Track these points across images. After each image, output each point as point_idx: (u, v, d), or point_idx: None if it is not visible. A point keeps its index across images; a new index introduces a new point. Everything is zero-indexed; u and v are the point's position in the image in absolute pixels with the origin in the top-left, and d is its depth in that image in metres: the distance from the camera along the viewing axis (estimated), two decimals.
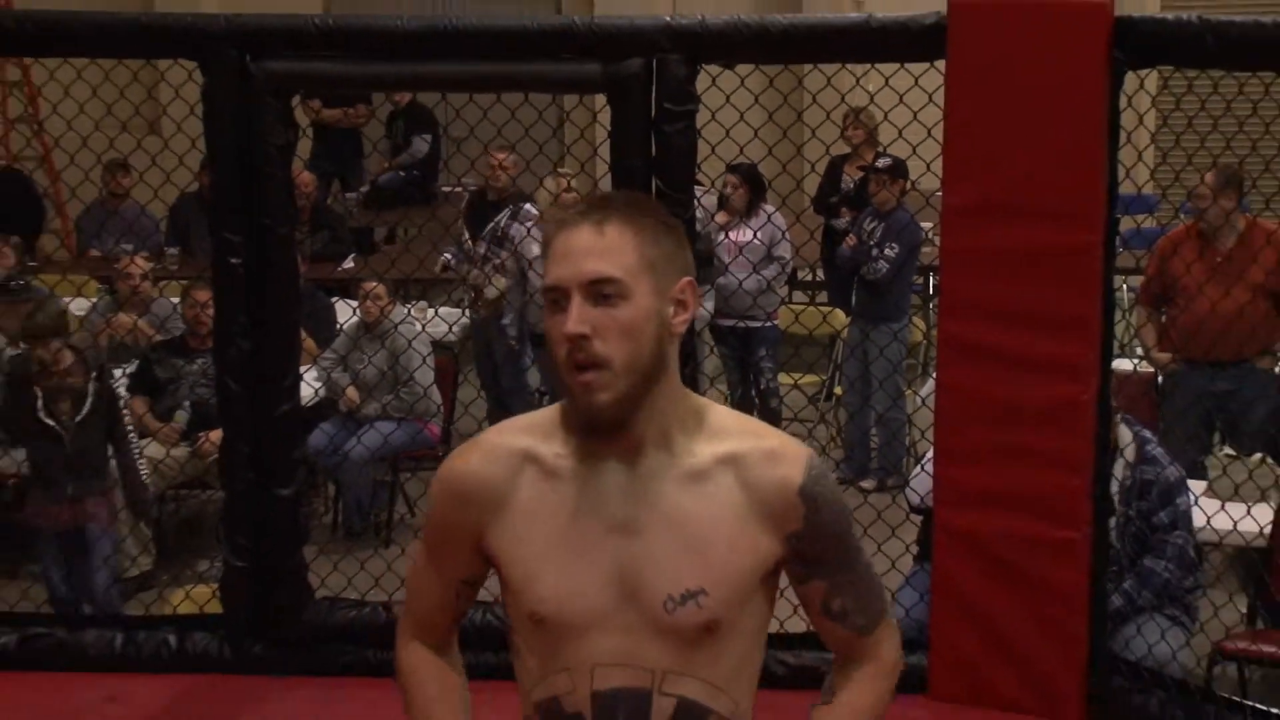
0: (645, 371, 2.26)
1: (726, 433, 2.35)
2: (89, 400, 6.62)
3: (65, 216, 11.46)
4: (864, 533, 6.04)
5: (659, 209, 2.40)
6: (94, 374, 6.69)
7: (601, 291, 2.24)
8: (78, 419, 6.57)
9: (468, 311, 9.06)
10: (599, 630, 2.31)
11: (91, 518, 6.64)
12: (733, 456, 2.33)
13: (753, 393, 8.96)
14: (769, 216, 8.73)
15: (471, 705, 2.62)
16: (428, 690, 2.52)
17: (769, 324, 8.89)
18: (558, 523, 2.33)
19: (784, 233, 8.59)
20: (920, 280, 10.29)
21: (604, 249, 2.25)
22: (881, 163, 8.81)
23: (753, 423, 2.46)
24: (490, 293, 8.62)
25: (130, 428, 6.90)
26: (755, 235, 8.61)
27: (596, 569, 2.31)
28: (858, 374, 8.59)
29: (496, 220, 8.79)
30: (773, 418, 8.74)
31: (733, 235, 8.49)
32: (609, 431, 2.29)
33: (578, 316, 2.23)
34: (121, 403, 6.85)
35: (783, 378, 9.15)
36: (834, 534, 2.39)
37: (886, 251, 8.49)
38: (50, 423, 6.01)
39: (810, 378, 9.55)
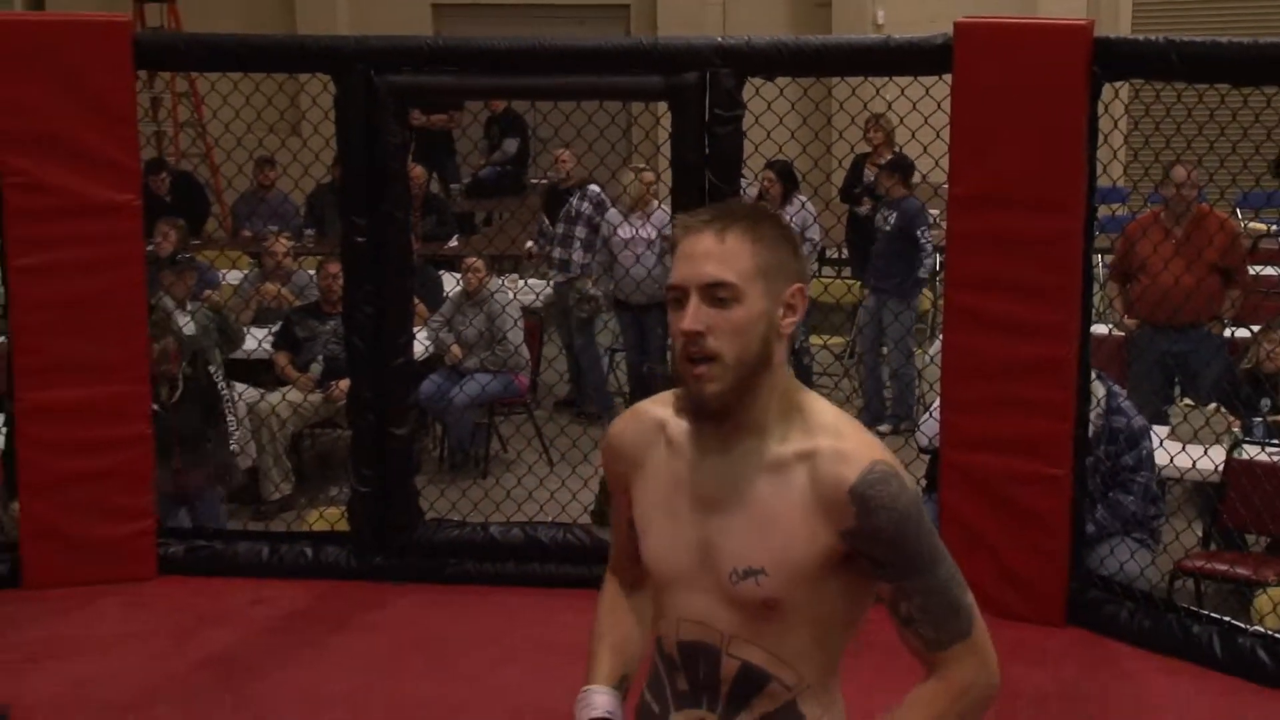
0: (752, 366, 2.13)
1: (819, 429, 2.18)
2: (180, 386, 6.53)
3: (223, 203, 11.51)
4: None
5: (778, 220, 2.24)
6: (185, 363, 6.59)
7: (717, 295, 2.11)
8: (173, 400, 6.49)
9: (551, 282, 9.04)
10: (685, 588, 2.21)
11: (192, 486, 6.58)
12: (811, 452, 2.16)
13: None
14: (802, 205, 8.69)
15: (636, 642, 2.45)
16: (602, 622, 2.44)
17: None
18: (665, 488, 2.24)
19: (814, 218, 8.57)
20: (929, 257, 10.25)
21: (722, 255, 2.11)
22: (885, 161, 8.79)
23: (847, 424, 2.22)
24: (585, 288, 8.63)
25: (229, 408, 6.77)
26: (791, 221, 8.58)
27: (685, 535, 2.21)
28: (873, 337, 8.55)
29: (569, 203, 8.79)
30: (804, 373, 8.70)
31: None
32: (714, 417, 2.17)
33: (694, 315, 2.11)
34: (220, 388, 6.74)
35: (814, 339, 9.10)
36: (891, 539, 2.13)
37: (891, 225, 8.50)
38: (155, 406, 5.97)
39: (836, 339, 9.50)
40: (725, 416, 2.16)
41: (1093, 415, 5.48)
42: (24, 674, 5.06)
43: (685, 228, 2.15)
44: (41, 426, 5.63)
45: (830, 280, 9.61)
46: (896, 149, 9.43)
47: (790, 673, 2.17)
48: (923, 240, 8.49)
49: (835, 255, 11.10)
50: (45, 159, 5.49)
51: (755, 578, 2.14)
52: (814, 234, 8.70)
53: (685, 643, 2.21)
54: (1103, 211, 6.08)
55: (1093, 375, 5.47)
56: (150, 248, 6.71)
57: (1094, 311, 5.47)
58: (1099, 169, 5.18)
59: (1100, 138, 5.16)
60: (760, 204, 2.61)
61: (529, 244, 9.40)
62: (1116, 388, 5.79)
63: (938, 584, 2.16)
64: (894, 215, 8.52)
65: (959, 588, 2.20)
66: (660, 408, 2.30)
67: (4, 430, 5.89)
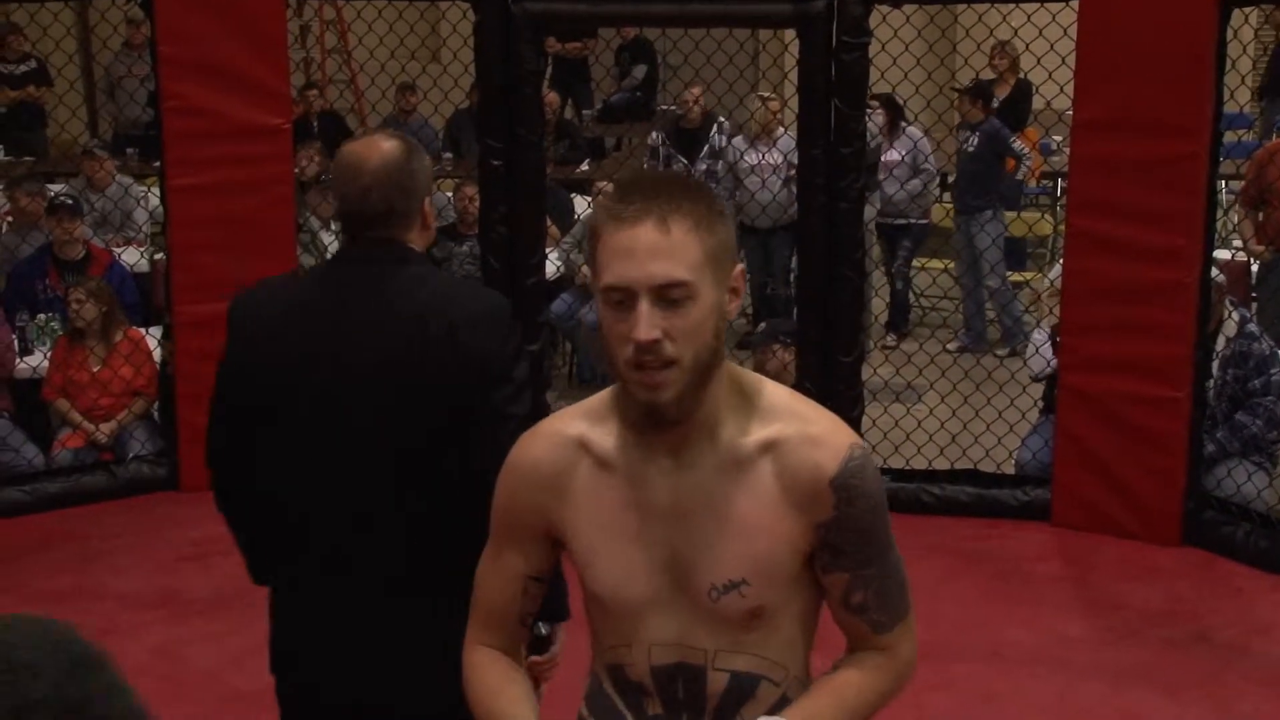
0: (707, 363, 1.82)
1: (774, 415, 1.89)
2: None
3: (366, 127, 11.63)
4: (999, 389, 6.01)
5: (708, 192, 1.88)
6: None
7: (670, 295, 1.77)
8: None
9: None
10: (653, 612, 1.92)
11: None
12: (773, 442, 1.87)
13: (891, 274, 8.81)
14: (914, 141, 8.55)
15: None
16: (489, 681, 2.01)
17: (917, 222, 8.74)
18: (610, 510, 1.91)
19: (927, 155, 8.48)
20: (1049, 183, 10.07)
21: (671, 249, 1.77)
22: (962, 86, 8.62)
23: (804, 404, 1.94)
24: None
25: None
26: (902, 156, 8.47)
27: (647, 556, 1.91)
28: (969, 260, 8.42)
29: (710, 142, 8.69)
30: (900, 300, 8.63)
31: (883, 157, 8.37)
32: (668, 426, 1.85)
33: (649, 322, 1.77)
34: None
35: (934, 263, 9.01)
36: (862, 528, 1.90)
37: (973, 148, 8.35)
38: None
39: (934, 262, 9.36)
40: (680, 422, 1.85)
41: (1223, 339, 5.39)
42: (184, 570, 5.24)
43: (616, 218, 1.79)
44: (197, 339, 5.78)
45: (950, 206, 9.49)
46: (1021, 75, 9.24)
47: (779, 670, 1.95)
48: (1017, 148, 8.38)
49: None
50: (202, 84, 5.61)
51: (738, 589, 1.89)
52: (927, 164, 8.59)
53: (660, 667, 1.95)
54: (1228, 137, 5.93)
55: (1226, 301, 5.39)
56: (295, 170, 6.81)
57: (1216, 237, 5.36)
58: (1225, 94, 5.05)
59: (1228, 63, 5.03)
60: (680, 175, 2.25)
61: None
62: (1246, 313, 5.68)
63: (890, 568, 1.95)
64: (975, 138, 8.37)
65: (901, 564, 1.98)
66: (574, 423, 1.96)
67: (163, 342, 6.06)
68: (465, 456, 2.41)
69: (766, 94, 8.48)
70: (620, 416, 1.92)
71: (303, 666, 2.63)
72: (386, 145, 2.55)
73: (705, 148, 8.51)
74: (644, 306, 1.78)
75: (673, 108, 11.20)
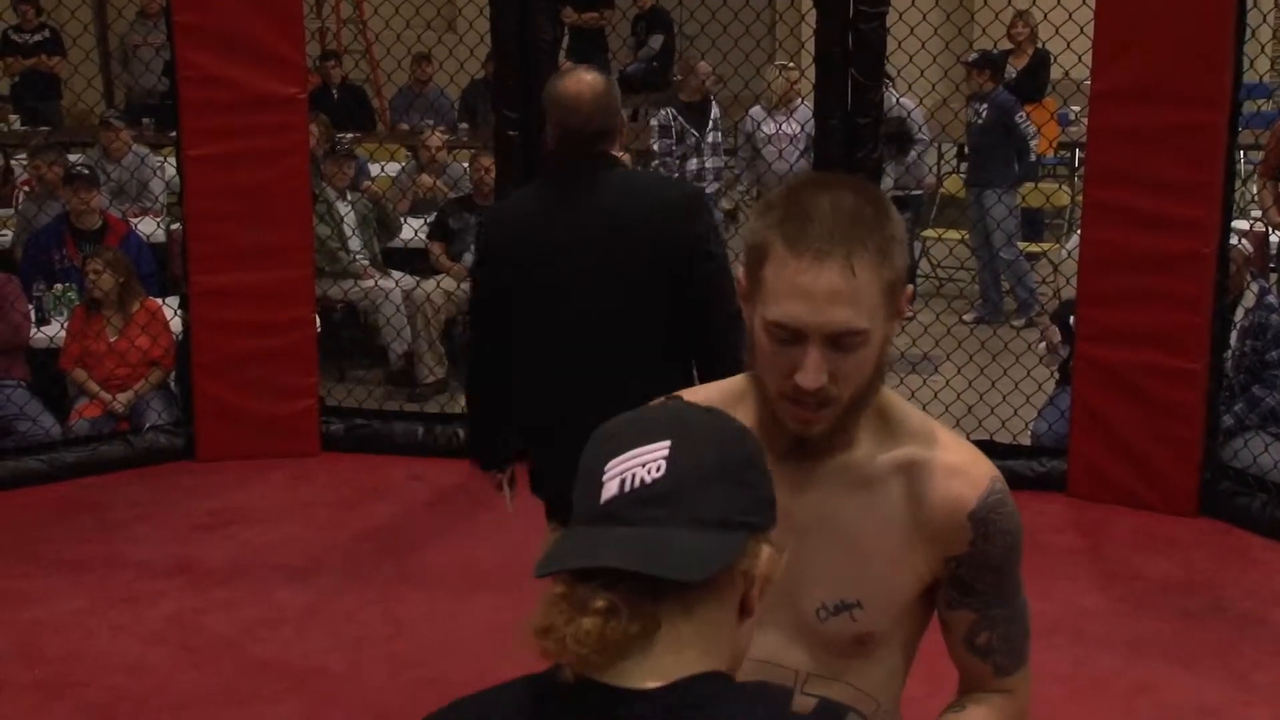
0: (863, 397, 1.71)
1: (911, 437, 1.78)
2: None
3: (381, 97, 11.61)
4: (1015, 360, 6.00)
5: (889, 212, 1.69)
6: None
7: (843, 341, 1.64)
8: None
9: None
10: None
11: None
12: (910, 464, 1.76)
13: None
14: (908, 112, 8.43)
15: None
16: None
17: (912, 193, 8.67)
18: None
19: (919, 125, 8.40)
20: (1067, 154, 10.01)
21: (853, 294, 1.62)
22: (971, 58, 8.55)
23: (943, 431, 1.82)
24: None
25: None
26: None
27: None
28: (982, 232, 8.37)
29: (712, 115, 8.57)
30: (911, 268, 8.57)
31: None
32: (809, 449, 1.74)
33: (817, 367, 1.64)
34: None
35: (951, 234, 8.98)
36: (997, 566, 1.79)
37: (984, 118, 8.28)
38: None
39: (952, 232, 9.31)
40: (821, 445, 1.75)
41: (1242, 310, 5.37)
42: (201, 539, 5.26)
43: (796, 251, 1.62)
44: (213, 309, 5.79)
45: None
46: (1039, 45, 9.18)
47: (870, 702, 1.83)
48: (1023, 126, 8.31)
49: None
50: (218, 54, 5.60)
51: (850, 612, 1.77)
52: (924, 134, 8.54)
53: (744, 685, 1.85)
54: (1248, 107, 5.89)
55: (1246, 272, 5.37)
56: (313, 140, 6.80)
57: (1234, 207, 5.33)
58: (1245, 64, 5.01)
59: (1248, 32, 4.99)
60: (868, 185, 1.77)
61: (652, 143, 9.11)
62: (1266, 284, 5.65)
63: (1019, 611, 1.84)
64: (985, 109, 8.32)
65: (1028, 608, 1.87)
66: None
67: (180, 313, 6.07)
68: (687, 296, 3.25)
69: (785, 63, 8.43)
70: (753, 419, 1.76)
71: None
72: (593, 78, 3.36)
73: (710, 120, 8.44)
74: (814, 353, 1.65)
75: (676, 77, 11.19)
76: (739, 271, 1.74)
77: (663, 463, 1.26)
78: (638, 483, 1.26)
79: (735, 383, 1.84)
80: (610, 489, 1.26)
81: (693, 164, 8.30)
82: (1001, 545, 1.78)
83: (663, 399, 1.39)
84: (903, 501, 1.76)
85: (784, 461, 1.71)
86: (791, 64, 8.37)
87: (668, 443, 1.27)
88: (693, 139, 8.17)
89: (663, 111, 8.30)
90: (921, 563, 1.78)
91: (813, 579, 1.76)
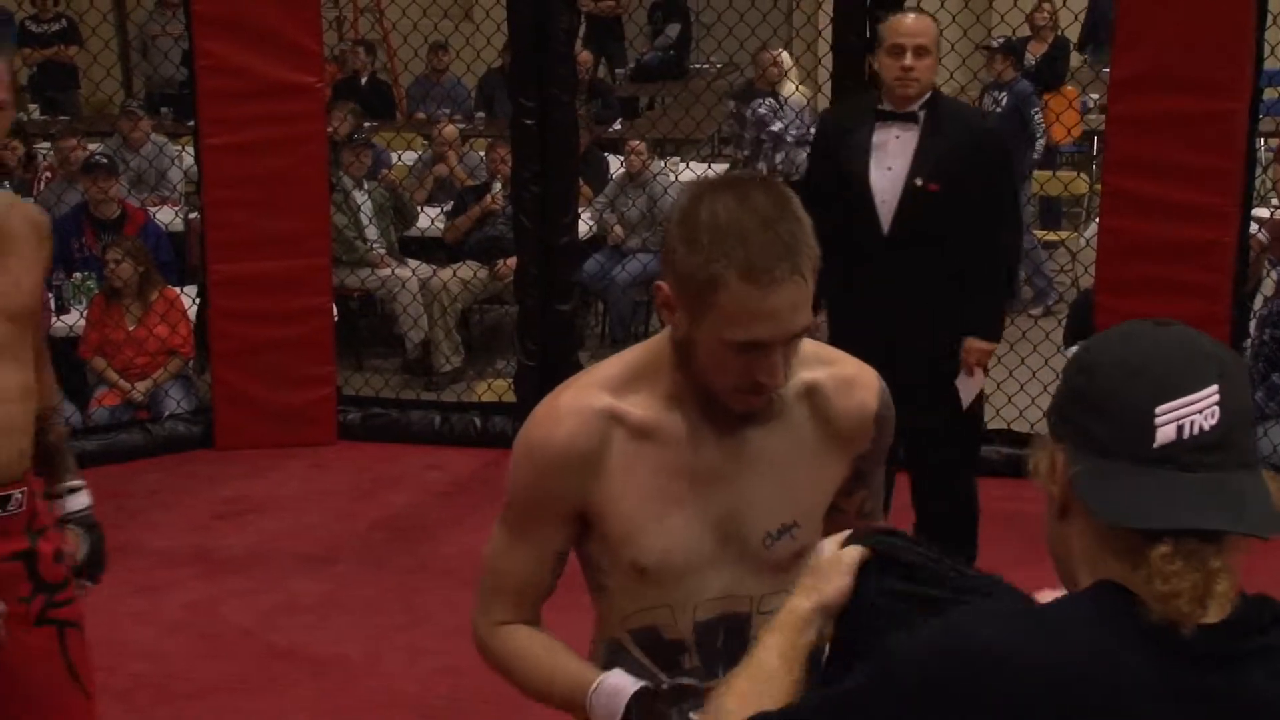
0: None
1: (802, 363, 1.89)
2: None
3: (398, 86, 11.61)
4: (1033, 349, 5.97)
5: (787, 192, 1.82)
6: None
7: (799, 337, 1.81)
8: None
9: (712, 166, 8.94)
10: (700, 573, 1.92)
11: None
12: (809, 387, 1.91)
13: None
14: None
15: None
16: (535, 651, 1.99)
17: None
18: (652, 478, 1.89)
19: None
20: (1085, 143, 9.98)
21: (802, 300, 1.76)
22: (995, 43, 8.49)
23: (823, 348, 1.98)
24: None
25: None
26: None
27: (694, 519, 1.90)
28: None
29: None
30: None
31: None
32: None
33: (783, 367, 1.80)
34: None
35: None
36: (885, 447, 1.99)
37: (1003, 107, 8.20)
38: None
39: None
40: None
41: (1261, 298, 5.35)
42: (217, 528, 5.27)
43: (757, 283, 1.72)
44: (231, 298, 5.80)
45: None
46: (1060, 32, 9.15)
47: None
48: (1036, 120, 8.25)
49: None
50: (236, 43, 5.61)
51: (790, 533, 1.92)
52: None
53: (703, 621, 1.95)
54: (1268, 94, 5.86)
55: (1265, 260, 5.35)
56: (330, 129, 6.80)
57: (1255, 195, 5.30)
58: (1266, 50, 4.99)
59: (1269, 18, 4.97)
60: (758, 178, 1.92)
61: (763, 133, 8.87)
62: None
63: (882, 467, 2.06)
64: (1005, 96, 8.28)
65: None
66: (593, 396, 1.90)
67: (197, 301, 6.08)
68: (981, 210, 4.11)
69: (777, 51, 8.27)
70: (657, 382, 1.89)
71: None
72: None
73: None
74: (778, 357, 1.79)
75: (705, 66, 11.14)
76: (666, 290, 1.80)
77: (1216, 409, 1.31)
78: (1196, 430, 1.31)
79: (616, 369, 1.94)
80: (1167, 433, 1.31)
81: (779, 157, 8.15)
82: (890, 431, 1.99)
83: (1152, 321, 1.41)
84: (810, 421, 1.93)
85: (704, 428, 1.88)
86: (780, 50, 8.17)
87: (1216, 387, 1.32)
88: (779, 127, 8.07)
89: (757, 100, 8.07)
90: (836, 469, 1.96)
91: (756, 513, 1.92)
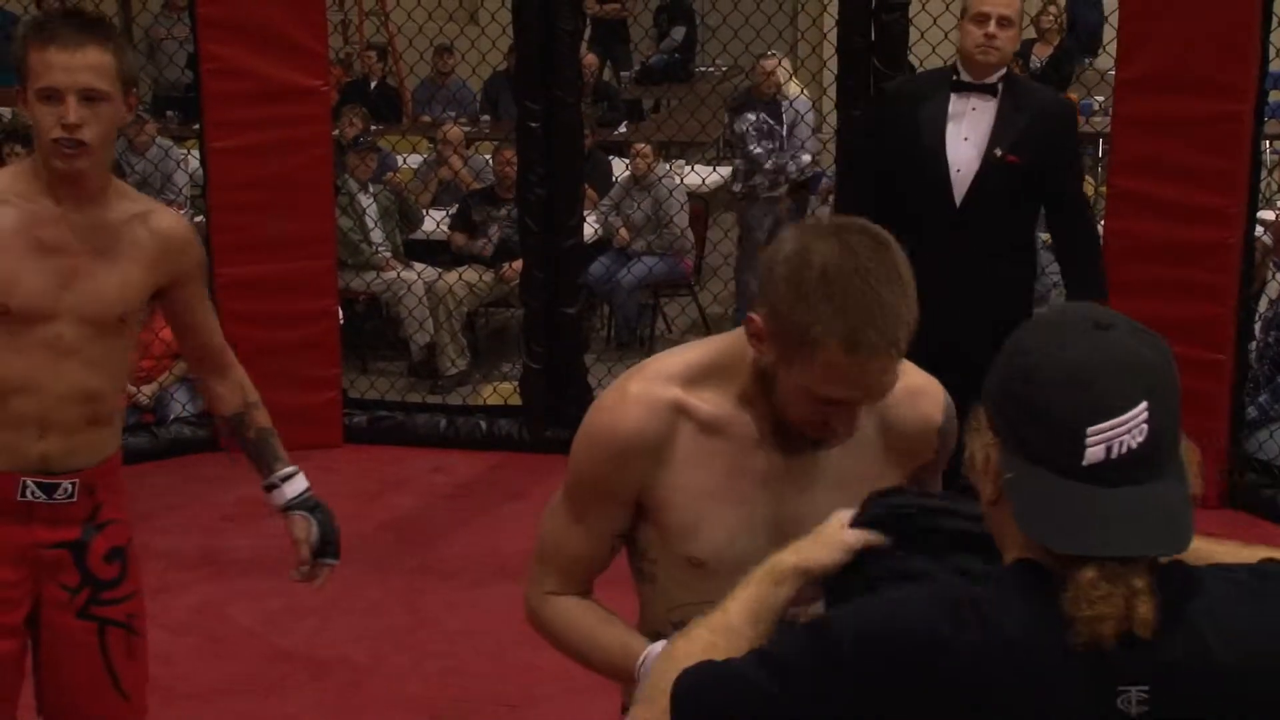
0: None
1: None
2: None
3: (404, 89, 11.62)
4: None
5: (896, 249, 1.84)
6: None
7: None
8: None
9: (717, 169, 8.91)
10: (751, 568, 1.85)
11: None
12: (890, 401, 1.92)
13: None
14: None
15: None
16: (586, 620, 2.03)
17: None
18: (716, 474, 1.93)
19: None
20: (1090, 146, 9.98)
21: (894, 367, 1.81)
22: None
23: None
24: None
25: None
26: None
27: (754, 518, 1.93)
28: None
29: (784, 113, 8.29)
30: None
31: None
32: None
33: (855, 422, 1.87)
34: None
35: None
36: (945, 461, 2.02)
37: None
38: None
39: None
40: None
41: (1265, 300, 5.35)
42: (225, 530, 5.28)
43: (857, 353, 1.77)
44: (237, 300, 5.80)
45: None
46: (1064, 34, 9.16)
47: None
48: None
49: None
50: (241, 46, 5.62)
51: None
52: None
53: None
54: (1274, 96, 5.86)
55: (1270, 262, 5.34)
56: (336, 132, 6.82)
57: (1260, 197, 5.30)
58: (1272, 52, 4.99)
59: (1274, 20, 4.97)
60: (882, 236, 1.85)
61: (752, 148, 8.54)
62: None
63: (939, 479, 2.09)
64: None
65: None
66: (662, 388, 1.94)
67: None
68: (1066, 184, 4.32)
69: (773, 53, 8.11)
70: (730, 381, 1.92)
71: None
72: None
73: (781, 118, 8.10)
74: (859, 410, 1.84)
75: (710, 69, 11.12)
76: (759, 323, 1.81)
77: (1145, 426, 1.36)
78: (1124, 449, 1.36)
79: (689, 362, 1.96)
80: (1095, 454, 1.36)
81: (792, 167, 7.93)
82: (952, 444, 1.97)
83: (1092, 322, 1.44)
84: (876, 431, 1.95)
85: (777, 423, 1.90)
86: (772, 53, 8.02)
87: (1145, 405, 1.36)
88: (780, 139, 7.87)
89: (750, 115, 7.88)
90: (895, 478, 1.94)
91: (815, 519, 1.85)
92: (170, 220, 2.79)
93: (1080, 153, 4.46)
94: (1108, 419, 1.35)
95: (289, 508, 2.92)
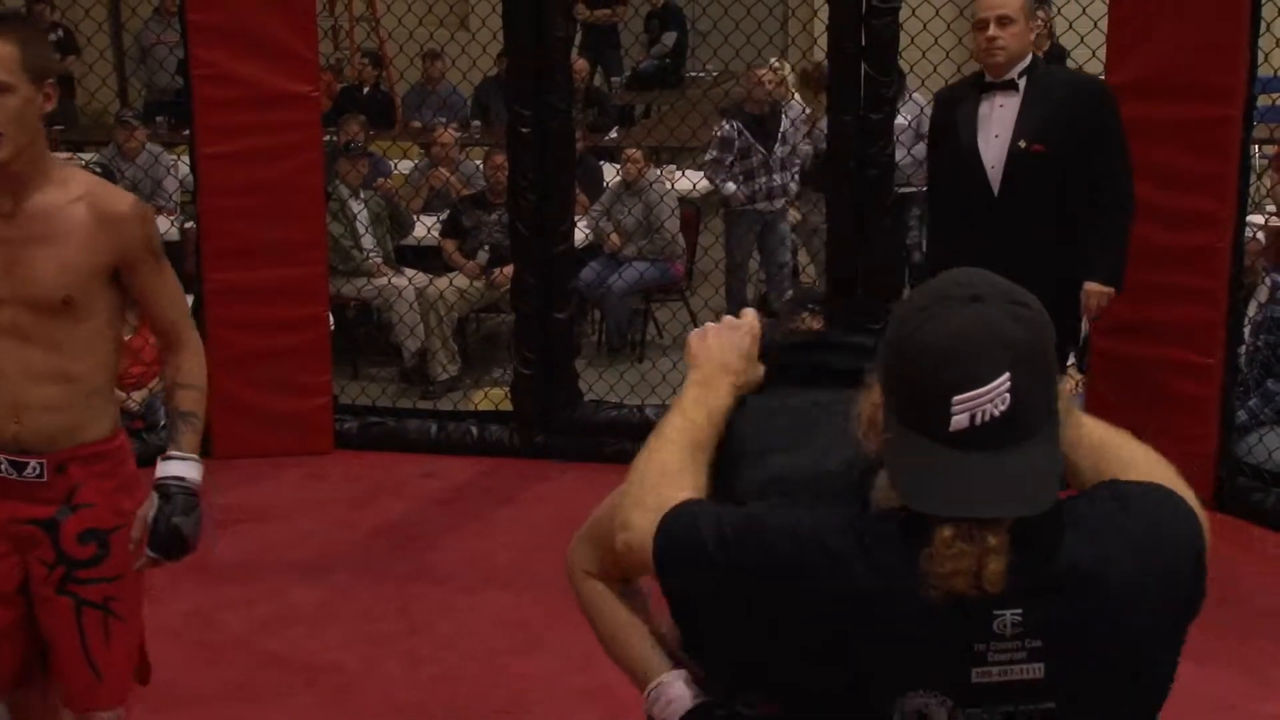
0: None
1: None
2: None
3: (394, 95, 11.62)
4: None
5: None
6: None
7: None
8: None
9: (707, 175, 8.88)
10: None
11: None
12: None
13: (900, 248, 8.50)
14: (920, 107, 8.25)
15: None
16: (616, 620, 1.98)
17: (921, 189, 8.51)
18: None
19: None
20: None
21: None
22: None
23: None
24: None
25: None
26: (909, 122, 8.15)
27: None
28: None
29: (783, 130, 8.19)
30: (915, 269, 8.44)
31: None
32: None
33: None
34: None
35: None
36: None
37: None
38: None
39: None
40: None
41: (1255, 304, 5.36)
42: (215, 536, 5.26)
43: None
44: (228, 306, 5.80)
45: None
46: (1054, 39, 9.16)
47: None
48: None
49: None
50: (232, 51, 5.62)
51: None
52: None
53: None
54: (1262, 101, 5.88)
55: (1261, 266, 5.36)
56: (328, 138, 6.82)
57: (1249, 201, 5.32)
58: (1260, 57, 5.00)
59: (1263, 25, 4.98)
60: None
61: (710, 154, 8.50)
62: (1279, 278, 5.63)
63: None
64: None
65: None
66: None
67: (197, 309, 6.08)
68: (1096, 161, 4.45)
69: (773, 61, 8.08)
70: None
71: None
72: None
73: (779, 134, 8.02)
74: None
75: (701, 74, 11.14)
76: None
77: (1007, 395, 1.46)
78: (986, 417, 1.46)
79: None
80: (960, 421, 1.46)
81: (761, 181, 7.80)
82: None
83: (965, 296, 1.53)
84: None
85: None
86: (772, 60, 7.94)
87: (1008, 375, 1.46)
88: (759, 156, 7.74)
89: (726, 124, 7.82)
90: None
91: None
92: (113, 200, 2.84)
93: (1113, 128, 4.55)
94: (972, 389, 1.45)
95: (154, 487, 2.95)
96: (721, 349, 1.83)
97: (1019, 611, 1.49)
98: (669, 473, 1.74)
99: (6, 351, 2.76)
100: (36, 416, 2.80)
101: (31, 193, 2.75)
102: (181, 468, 2.98)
